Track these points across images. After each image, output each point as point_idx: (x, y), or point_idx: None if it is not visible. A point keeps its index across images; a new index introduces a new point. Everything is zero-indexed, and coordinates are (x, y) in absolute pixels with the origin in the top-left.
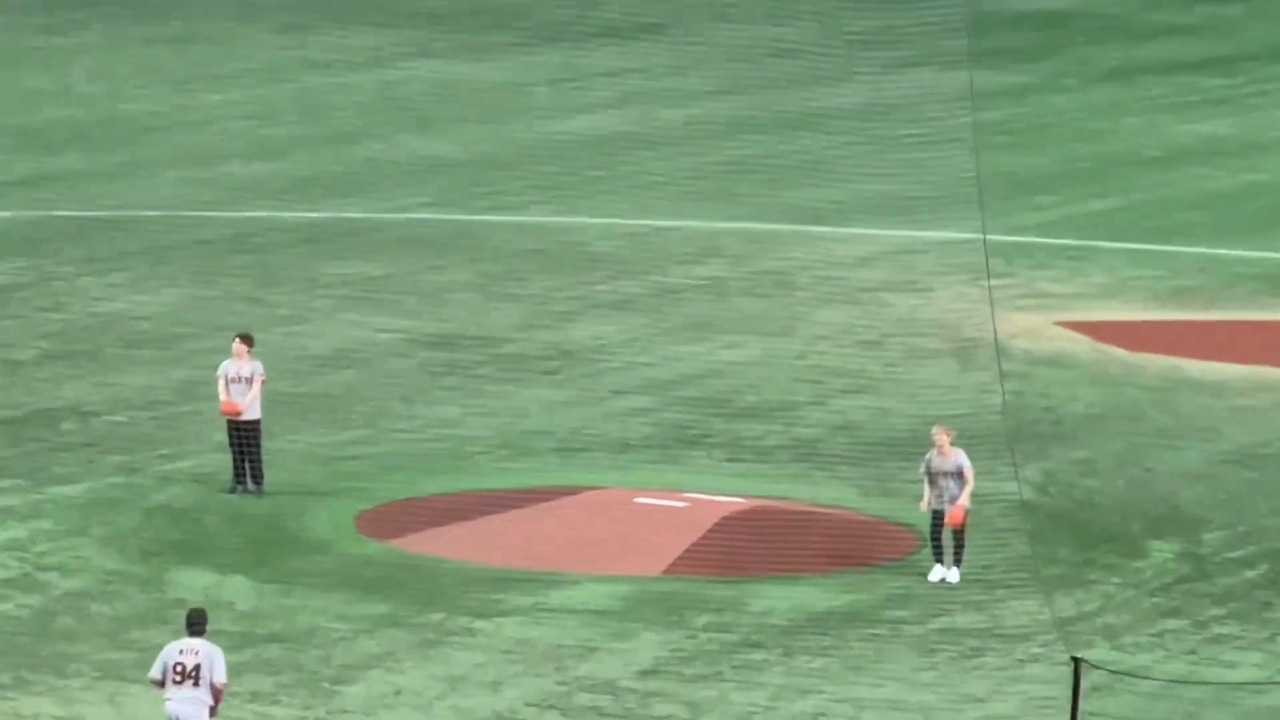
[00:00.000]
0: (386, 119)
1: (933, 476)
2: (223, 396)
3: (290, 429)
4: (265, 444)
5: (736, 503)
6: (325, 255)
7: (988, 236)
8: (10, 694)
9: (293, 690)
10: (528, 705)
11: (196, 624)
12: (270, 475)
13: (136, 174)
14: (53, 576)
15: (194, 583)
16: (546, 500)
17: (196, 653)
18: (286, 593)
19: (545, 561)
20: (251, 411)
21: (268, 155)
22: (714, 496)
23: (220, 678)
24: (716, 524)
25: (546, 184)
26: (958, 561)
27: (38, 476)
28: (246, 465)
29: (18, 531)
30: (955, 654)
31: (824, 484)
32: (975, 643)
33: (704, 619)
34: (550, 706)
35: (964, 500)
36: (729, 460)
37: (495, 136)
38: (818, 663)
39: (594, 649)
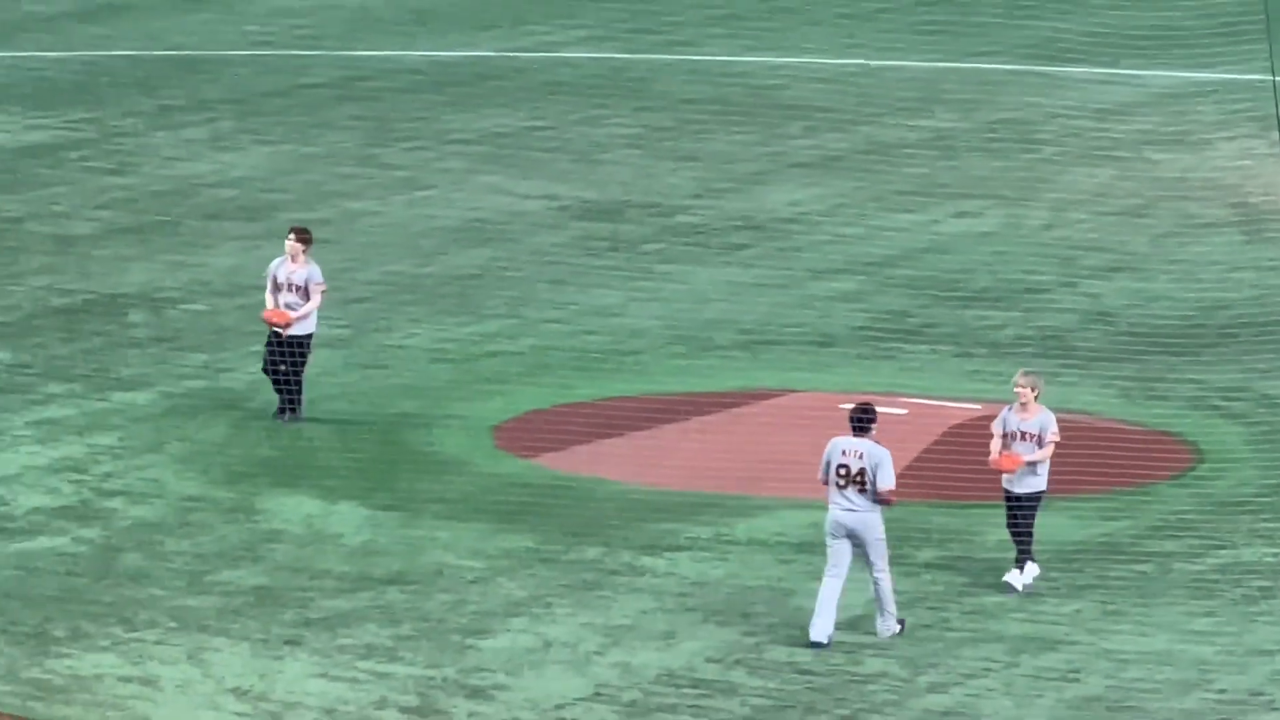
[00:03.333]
0: None
1: (1007, 439)
2: (269, 303)
3: (413, 320)
4: (379, 339)
5: (967, 409)
6: (455, 104)
7: None
8: (67, 649)
9: (416, 644)
10: (708, 661)
11: (862, 422)
12: (389, 377)
13: (220, 4)
14: (118, 504)
15: (293, 511)
16: (731, 407)
17: (860, 455)
18: (409, 523)
19: (729, 483)
20: (304, 325)
21: None
22: (939, 402)
23: (886, 483)
24: (942, 436)
25: (730, 13)
26: (1020, 561)
27: (99, 380)
28: (294, 386)
29: (75, 448)
30: (1238, 596)
31: (1076, 385)
32: (1264, 582)
33: (926, 554)
34: (736, 663)
35: (1030, 455)
36: (958, 356)
37: None
38: (1068, 607)
39: (790, 592)
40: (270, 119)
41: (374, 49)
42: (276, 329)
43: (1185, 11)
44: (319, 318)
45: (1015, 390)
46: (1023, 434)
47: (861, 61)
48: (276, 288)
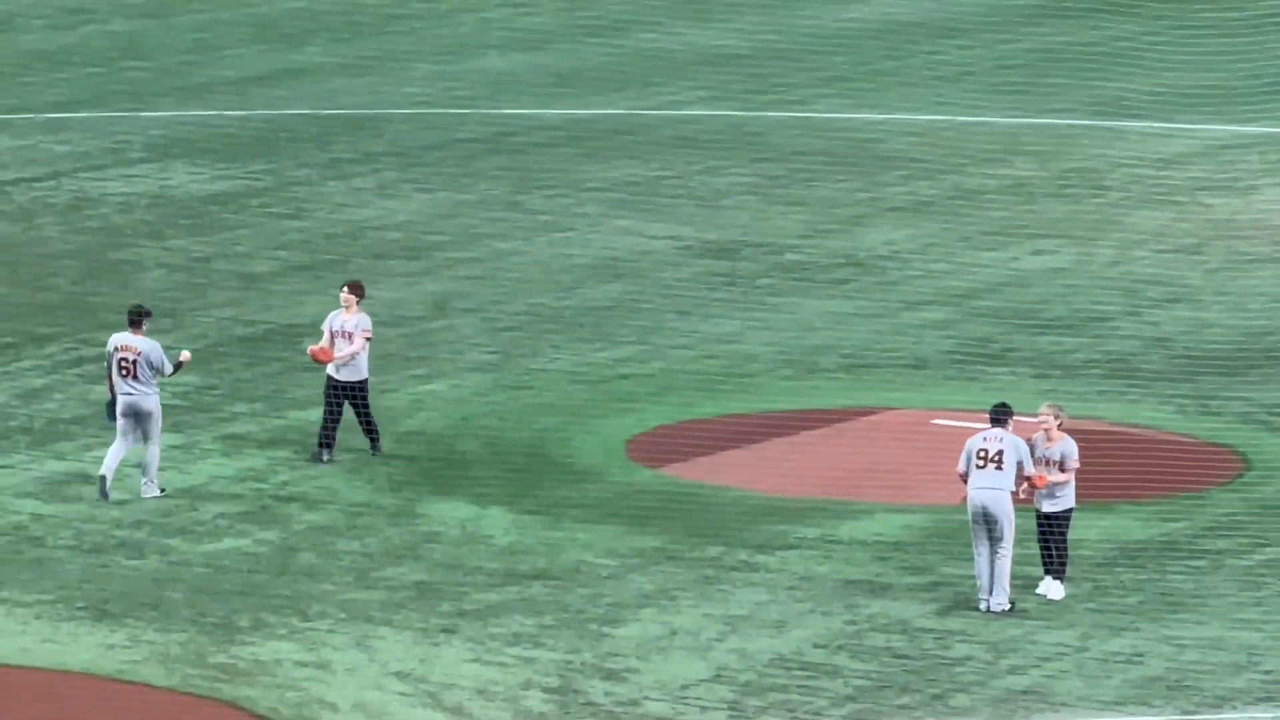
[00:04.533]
0: (659, 5)
1: (1036, 463)
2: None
3: (554, 346)
4: (525, 363)
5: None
6: (591, 156)
7: None
8: (249, 638)
9: (558, 632)
10: (815, 647)
11: (1000, 415)
12: (533, 397)
13: (384, 68)
14: (294, 509)
15: (449, 515)
16: (835, 423)
17: (1000, 440)
18: (551, 526)
19: (834, 490)
20: (356, 371)
21: (528, 46)
22: (1018, 418)
23: (1029, 469)
24: None
25: (834, 76)
26: (1060, 572)
27: (277, 400)
28: (342, 428)
29: (256, 460)
30: None
31: (1139, 403)
32: None
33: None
34: (839, 648)
35: (1055, 477)
36: (1035, 377)
37: (778, 25)
38: (1132, 598)
39: (888, 585)
40: (428, 170)
41: (519, 108)
42: (329, 374)
43: (1235, 73)
44: (369, 363)
45: (1041, 419)
46: (1048, 460)
47: (949, 118)
48: (332, 337)
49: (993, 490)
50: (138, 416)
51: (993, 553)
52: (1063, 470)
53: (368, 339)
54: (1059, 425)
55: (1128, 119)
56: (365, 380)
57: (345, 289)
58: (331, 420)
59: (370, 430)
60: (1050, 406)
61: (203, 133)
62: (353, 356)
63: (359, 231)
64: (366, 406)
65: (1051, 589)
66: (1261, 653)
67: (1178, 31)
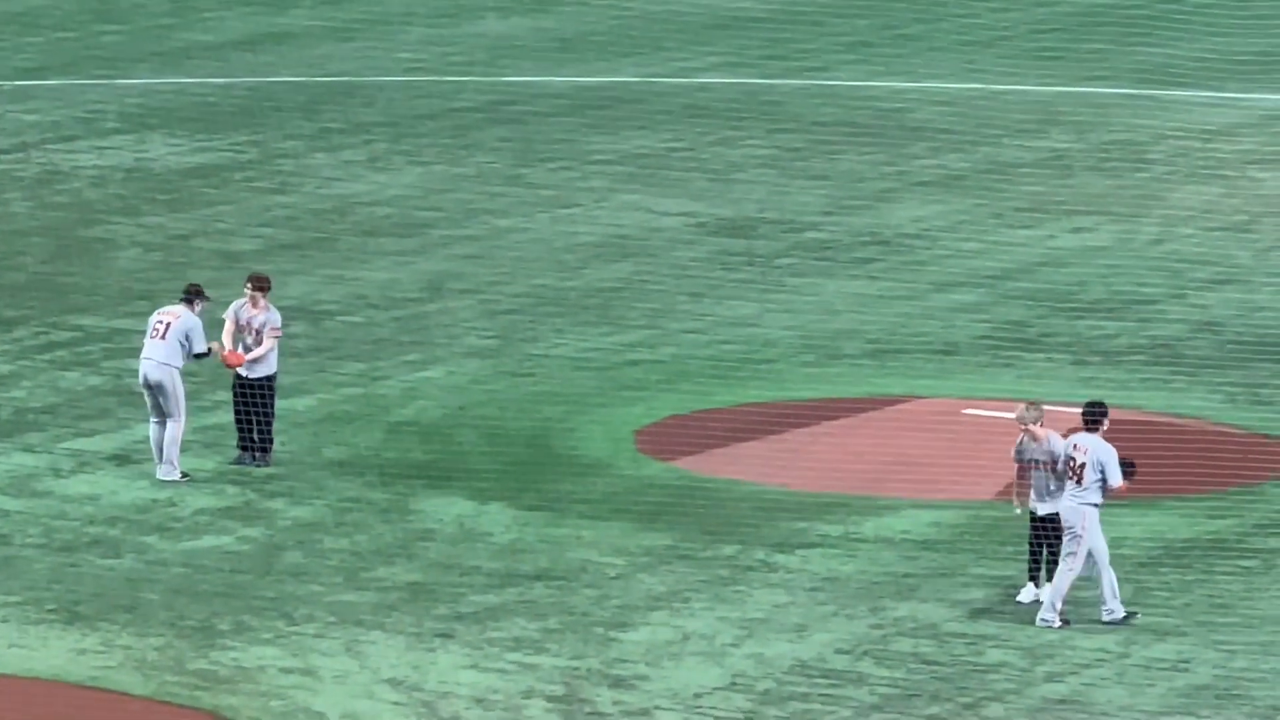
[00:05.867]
0: None
1: (1023, 467)
2: (228, 344)
3: (558, 330)
4: (526, 348)
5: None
6: (597, 126)
7: None
8: (231, 642)
9: (561, 637)
10: (838, 652)
11: (1093, 417)
12: (535, 385)
13: (375, 32)
14: (279, 505)
15: (445, 511)
16: (859, 412)
17: (1085, 451)
18: (554, 522)
19: (858, 484)
20: (264, 367)
21: (529, 8)
22: (1055, 407)
23: (1115, 480)
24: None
25: (858, 41)
26: (1035, 577)
27: None
28: (254, 430)
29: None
30: None
31: (1185, 391)
32: None
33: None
34: (864, 654)
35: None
36: (1073, 364)
37: None
38: (1178, 601)
39: (915, 586)
40: (423, 141)
41: (520, 75)
42: (237, 371)
43: None
44: (279, 360)
45: (1020, 423)
46: (1037, 462)
47: (982, 86)
48: (237, 330)
49: (1067, 503)
50: (154, 391)
51: (1056, 563)
52: (1054, 472)
53: (276, 337)
54: (1039, 424)
55: (1173, 87)
56: (273, 375)
57: (249, 285)
58: (247, 420)
59: (265, 437)
60: (1032, 409)
61: (181, 101)
62: (263, 356)
63: (348, 207)
64: (270, 406)
65: (1037, 593)
66: None
67: None
